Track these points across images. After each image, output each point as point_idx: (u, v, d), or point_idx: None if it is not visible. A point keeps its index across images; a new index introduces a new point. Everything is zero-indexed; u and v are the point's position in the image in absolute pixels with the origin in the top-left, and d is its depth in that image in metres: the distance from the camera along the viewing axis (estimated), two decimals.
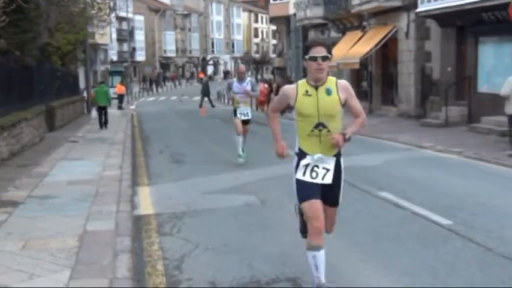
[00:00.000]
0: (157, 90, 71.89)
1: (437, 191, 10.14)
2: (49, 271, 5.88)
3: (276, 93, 33.03)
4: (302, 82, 5.39)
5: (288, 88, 5.49)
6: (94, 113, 27.24)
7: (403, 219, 8.22)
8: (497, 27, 19.36)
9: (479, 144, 16.11)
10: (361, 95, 31.73)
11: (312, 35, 39.59)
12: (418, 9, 23.28)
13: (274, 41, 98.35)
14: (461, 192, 10.05)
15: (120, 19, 67.03)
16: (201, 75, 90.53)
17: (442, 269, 6.10)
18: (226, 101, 45.71)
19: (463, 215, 8.29)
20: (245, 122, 14.14)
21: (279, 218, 8.49)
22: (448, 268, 6.13)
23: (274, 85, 34.74)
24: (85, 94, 35.98)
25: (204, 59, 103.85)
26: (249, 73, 71.90)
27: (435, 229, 7.64)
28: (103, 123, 24.62)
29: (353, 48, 29.17)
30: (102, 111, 24.81)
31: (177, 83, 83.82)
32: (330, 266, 6.28)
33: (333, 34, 35.28)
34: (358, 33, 30.03)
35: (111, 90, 30.38)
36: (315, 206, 5.35)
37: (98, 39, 54.86)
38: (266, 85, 36.31)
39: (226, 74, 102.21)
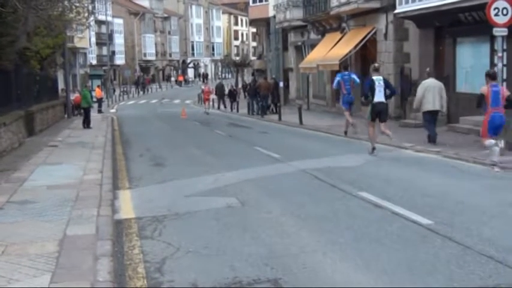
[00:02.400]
0: (143, 92, 71.85)
1: (417, 191, 10.22)
2: (28, 276, 5.85)
3: (257, 92, 33.38)
4: None
5: None
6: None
7: (382, 219, 8.28)
8: (474, 28, 19.55)
9: (458, 143, 16.25)
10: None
11: (291, 37, 39.73)
12: (397, 11, 23.43)
13: (254, 44, 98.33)
14: (441, 192, 10.13)
15: (99, 22, 66.77)
16: (180, 78, 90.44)
17: (422, 268, 6.16)
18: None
19: (443, 214, 8.36)
20: None
21: (260, 219, 8.51)
22: (427, 267, 6.18)
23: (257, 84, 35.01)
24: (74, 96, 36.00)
25: (184, 61, 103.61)
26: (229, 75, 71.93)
27: (415, 228, 7.70)
28: (85, 123, 26.52)
29: (332, 49, 29.31)
30: (84, 112, 27.16)
31: (157, 85, 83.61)
32: (309, 266, 6.34)
33: (313, 36, 35.42)
34: (338, 34, 30.17)
35: (92, 94, 32.11)
36: None
37: (77, 42, 54.47)
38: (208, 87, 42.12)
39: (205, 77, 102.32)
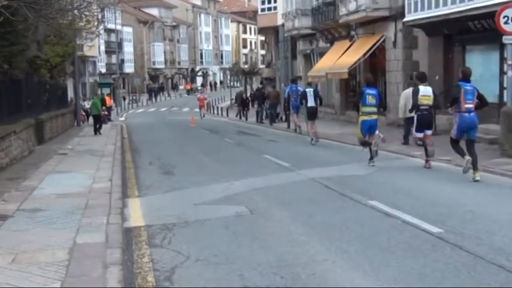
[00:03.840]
0: (155, 100, 72.27)
1: (427, 200, 10.18)
2: (39, 284, 5.86)
3: (263, 100, 33.71)
4: None
5: None
6: (91, 120, 30.92)
7: (392, 227, 8.25)
8: (483, 36, 19.51)
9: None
10: (350, 104, 31.87)
11: (300, 45, 39.76)
12: (406, 19, 23.43)
13: (262, 52, 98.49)
14: (451, 201, 10.10)
15: (108, 31, 66.96)
16: (188, 87, 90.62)
17: (432, 277, 6.13)
18: (214, 111, 45.93)
19: (453, 223, 8.33)
20: None
21: (269, 227, 8.50)
22: (438, 276, 6.15)
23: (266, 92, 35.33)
24: (84, 104, 36.39)
25: (193, 70, 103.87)
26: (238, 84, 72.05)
27: (425, 237, 7.67)
28: (97, 129, 27.84)
29: (341, 58, 29.31)
30: (95, 119, 28.36)
31: (165, 94, 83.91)
32: (318, 274, 6.32)
33: (321, 44, 35.44)
34: (346, 43, 30.16)
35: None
36: None
37: (87, 51, 54.75)
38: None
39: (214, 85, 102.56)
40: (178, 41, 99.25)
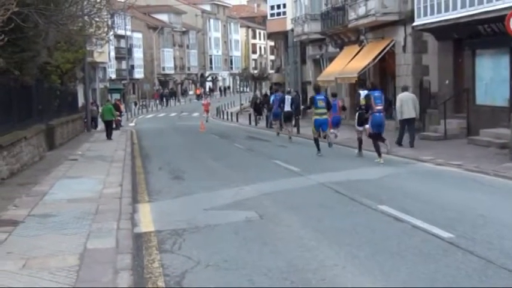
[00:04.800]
0: (166, 105, 72.69)
1: (438, 204, 10.15)
2: None
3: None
4: None
5: None
6: (103, 126, 31.82)
7: (403, 232, 8.22)
8: (493, 40, 19.44)
9: (478, 156, 16.13)
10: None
11: (309, 50, 39.76)
12: (415, 23, 23.39)
13: (272, 57, 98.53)
14: (462, 205, 10.06)
15: (118, 37, 67.32)
16: (198, 92, 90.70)
17: (443, 282, 6.10)
18: (224, 116, 46.03)
19: (464, 227, 8.29)
20: None
21: (279, 232, 8.50)
22: (449, 281, 6.12)
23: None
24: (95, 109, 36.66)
25: (202, 75, 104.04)
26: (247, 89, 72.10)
27: (435, 242, 7.64)
28: (109, 134, 28.70)
29: (351, 62, 29.29)
30: (108, 124, 29.37)
31: (175, 99, 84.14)
32: (328, 279, 6.31)
33: (331, 49, 35.44)
34: (356, 47, 30.15)
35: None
36: None
37: (97, 57, 54.95)
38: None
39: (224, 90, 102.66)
40: (187, 47, 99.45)
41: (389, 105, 16.46)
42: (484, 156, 16.16)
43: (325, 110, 18.63)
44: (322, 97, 19.16)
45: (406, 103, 20.20)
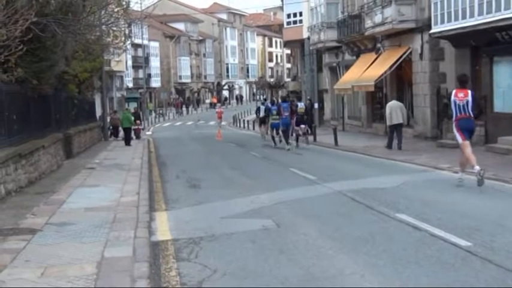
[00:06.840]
0: (187, 113, 73.08)
1: (456, 213, 10.08)
2: None
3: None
4: None
5: None
6: (122, 133, 33.22)
7: (421, 241, 8.17)
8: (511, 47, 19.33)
9: (497, 164, 16.00)
10: (377, 117, 31.74)
11: (326, 58, 39.75)
12: (432, 30, 23.31)
13: (288, 65, 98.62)
14: (480, 214, 9.98)
15: (135, 46, 67.57)
16: (215, 100, 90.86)
17: None
18: (240, 124, 45.97)
19: (482, 236, 8.23)
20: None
21: (295, 241, 8.47)
22: None
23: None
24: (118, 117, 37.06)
25: (219, 84, 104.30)
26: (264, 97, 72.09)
27: (454, 251, 7.58)
28: (127, 141, 30.12)
29: (367, 70, 29.24)
30: (127, 131, 30.89)
31: (191, 108, 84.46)
32: None
33: (347, 57, 35.41)
34: (372, 55, 30.09)
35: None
36: None
37: (114, 66, 55.07)
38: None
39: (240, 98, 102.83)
40: (204, 55, 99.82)
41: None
42: (503, 164, 16.04)
43: (277, 116, 25.60)
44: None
45: (395, 110, 22.29)
